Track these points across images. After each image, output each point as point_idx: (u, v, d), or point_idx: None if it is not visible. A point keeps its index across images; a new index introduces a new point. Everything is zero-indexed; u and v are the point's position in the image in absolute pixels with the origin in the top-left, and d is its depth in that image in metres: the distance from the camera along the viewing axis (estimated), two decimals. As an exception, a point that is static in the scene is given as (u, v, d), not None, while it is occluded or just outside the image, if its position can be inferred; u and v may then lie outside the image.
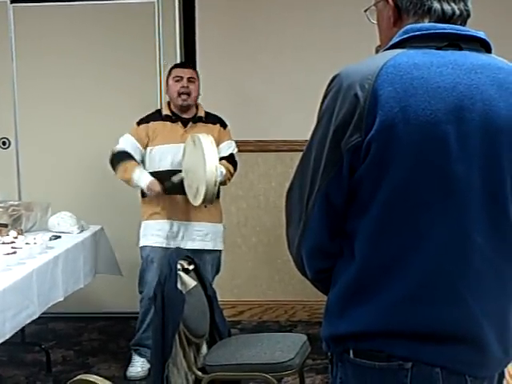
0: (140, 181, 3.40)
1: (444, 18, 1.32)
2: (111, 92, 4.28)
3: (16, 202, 3.64)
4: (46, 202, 3.68)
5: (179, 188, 3.40)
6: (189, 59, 4.24)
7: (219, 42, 4.28)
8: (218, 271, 3.60)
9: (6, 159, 4.37)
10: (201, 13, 4.25)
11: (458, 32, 1.31)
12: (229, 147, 3.56)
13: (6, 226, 3.32)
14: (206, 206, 3.41)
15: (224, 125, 3.60)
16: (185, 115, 3.54)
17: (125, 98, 4.21)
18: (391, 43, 1.34)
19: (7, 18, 4.29)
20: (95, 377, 1.45)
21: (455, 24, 1.33)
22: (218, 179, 3.21)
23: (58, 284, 3.07)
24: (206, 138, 3.23)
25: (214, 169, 3.16)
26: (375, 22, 1.45)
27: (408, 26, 1.33)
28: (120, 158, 3.45)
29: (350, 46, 3.93)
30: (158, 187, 3.38)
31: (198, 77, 3.62)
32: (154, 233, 3.50)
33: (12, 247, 2.96)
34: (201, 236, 3.50)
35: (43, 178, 4.33)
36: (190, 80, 3.53)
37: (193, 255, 2.93)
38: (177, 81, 3.52)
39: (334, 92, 1.29)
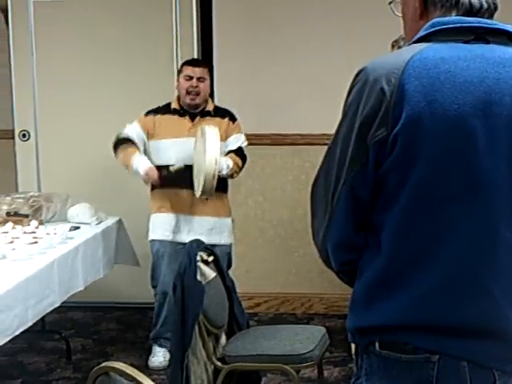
0: (138, 166, 3.38)
1: (471, 11, 1.31)
2: (129, 85, 4.30)
3: (36, 193, 3.68)
4: (65, 194, 3.71)
5: (178, 179, 3.40)
6: (206, 54, 4.25)
7: (236, 36, 4.27)
8: (229, 266, 3.54)
9: (26, 151, 4.40)
10: (218, 7, 4.25)
11: (486, 25, 1.30)
12: (237, 140, 3.54)
13: (26, 216, 3.36)
14: (207, 199, 3.39)
15: (233, 118, 3.58)
16: (193, 110, 3.55)
17: (142, 91, 4.22)
18: (417, 37, 1.33)
19: (27, 12, 4.31)
20: (121, 364, 1.47)
21: (482, 17, 1.32)
22: (218, 172, 3.18)
23: (78, 274, 3.11)
24: (210, 130, 3.22)
25: (214, 161, 3.12)
26: (400, 14, 1.44)
27: (435, 20, 1.32)
28: (122, 143, 3.47)
29: (366, 40, 3.92)
30: (155, 174, 3.38)
31: (209, 73, 3.63)
32: (161, 226, 3.50)
33: (33, 237, 2.99)
34: (206, 231, 3.47)
35: (62, 169, 4.36)
36: (199, 80, 3.52)
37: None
38: (187, 80, 3.52)
39: (359, 86, 1.29)
